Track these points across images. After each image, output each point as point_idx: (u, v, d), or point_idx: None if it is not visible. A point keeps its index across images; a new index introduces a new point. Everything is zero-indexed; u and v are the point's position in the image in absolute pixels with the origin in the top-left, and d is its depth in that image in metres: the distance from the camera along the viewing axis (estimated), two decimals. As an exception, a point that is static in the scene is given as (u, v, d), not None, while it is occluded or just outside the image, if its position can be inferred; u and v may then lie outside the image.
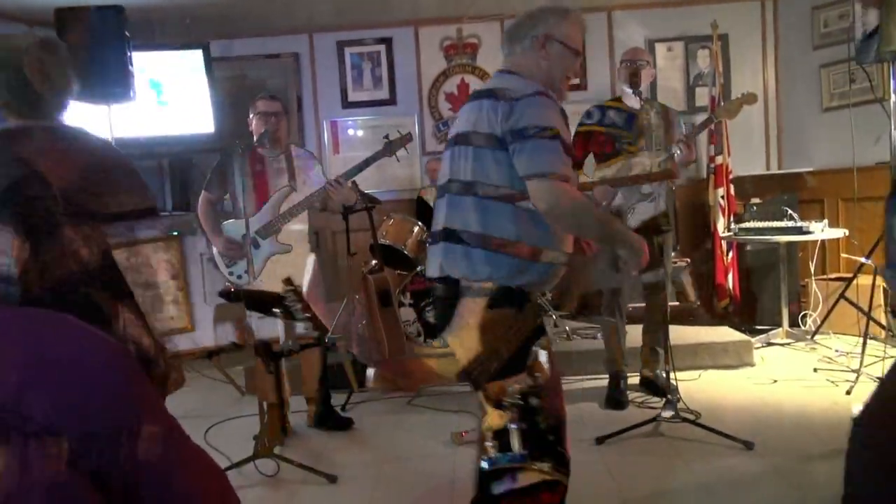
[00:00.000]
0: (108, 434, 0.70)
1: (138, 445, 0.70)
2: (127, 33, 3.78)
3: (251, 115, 3.49)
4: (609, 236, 1.82)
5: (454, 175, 1.86)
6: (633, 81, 3.46)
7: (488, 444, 1.42)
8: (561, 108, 1.87)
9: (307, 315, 2.67)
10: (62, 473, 0.67)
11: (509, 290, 1.69)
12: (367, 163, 3.43)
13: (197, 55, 4.97)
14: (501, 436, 1.40)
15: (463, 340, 1.63)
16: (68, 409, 0.69)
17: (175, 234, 5.16)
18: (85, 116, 4.38)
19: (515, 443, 1.40)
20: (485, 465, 1.44)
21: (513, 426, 1.41)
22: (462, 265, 1.74)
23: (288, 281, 2.70)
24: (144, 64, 4.80)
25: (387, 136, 3.51)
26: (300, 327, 3.27)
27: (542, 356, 1.49)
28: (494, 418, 1.49)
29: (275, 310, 2.72)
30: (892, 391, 1.49)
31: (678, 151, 3.39)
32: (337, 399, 3.75)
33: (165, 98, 4.95)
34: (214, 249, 3.53)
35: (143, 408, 0.73)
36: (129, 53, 3.77)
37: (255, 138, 3.43)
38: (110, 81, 3.72)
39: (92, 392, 0.70)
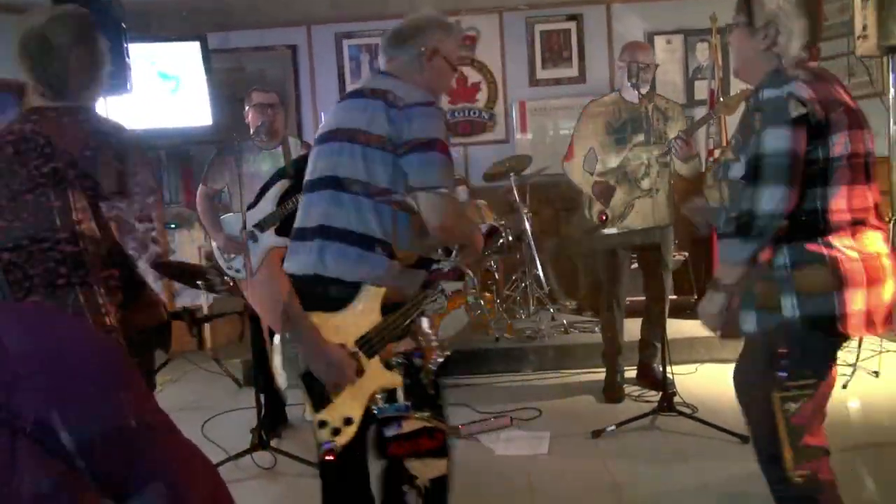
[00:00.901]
0: (99, 429, 0.70)
1: (129, 441, 0.70)
2: (124, 25, 3.76)
3: (247, 108, 3.48)
4: (473, 240, 1.91)
5: (332, 171, 1.84)
6: (632, 76, 3.44)
7: (378, 396, 1.67)
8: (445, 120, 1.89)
9: (224, 288, 2.91)
10: (53, 469, 0.67)
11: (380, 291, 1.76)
12: None
13: (194, 47, 4.94)
14: (390, 390, 1.66)
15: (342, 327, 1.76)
16: (59, 405, 0.68)
17: (173, 226, 5.16)
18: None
19: (400, 395, 1.64)
20: (376, 412, 1.67)
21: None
22: (339, 263, 1.76)
23: (209, 256, 2.96)
24: (154, 56, 4.80)
25: None
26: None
27: (425, 322, 1.70)
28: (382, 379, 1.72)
29: (197, 282, 2.89)
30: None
31: (676, 148, 3.37)
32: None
33: (175, 89, 4.95)
34: (214, 243, 3.52)
35: (134, 403, 0.73)
36: (125, 45, 3.75)
37: (251, 130, 3.42)
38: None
39: (83, 387, 0.70)
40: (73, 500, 0.66)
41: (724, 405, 3.44)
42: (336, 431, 1.66)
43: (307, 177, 1.93)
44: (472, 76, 5.77)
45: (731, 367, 4.37)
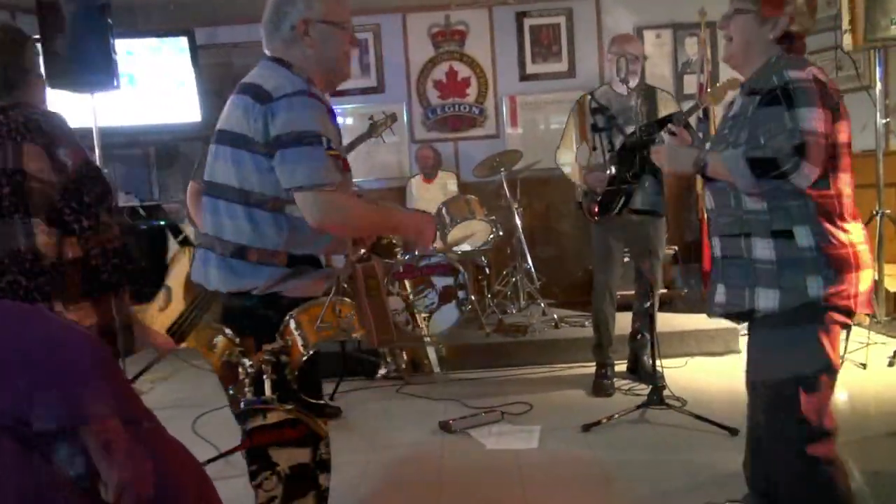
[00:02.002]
0: (80, 426, 0.69)
1: (111, 438, 0.70)
2: (110, 20, 3.73)
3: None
4: (390, 227, 1.90)
5: (212, 177, 1.81)
6: (621, 69, 3.44)
7: (246, 389, 1.77)
8: (327, 107, 1.73)
9: None
10: (31, 466, 0.66)
11: (274, 297, 1.77)
12: (352, 145, 3.42)
13: (182, 42, 4.91)
14: (257, 384, 1.75)
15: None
16: (38, 401, 0.68)
17: (162, 223, 5.13)
18: (68, 105, 4.33)
19: (267, 389, 1.75)
20: (242, 405, 1.79)
21: (265, 377, 1.75)
22: (220, 275, 1.78)
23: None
24: (140, 51, 4.75)
25: (371, 118, 3.52)
26: None
27: (292, 324, 1.78)
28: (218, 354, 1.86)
29: None
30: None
31: (665, 139, 3.37)
32: (325, 387, 3.75)
33: (141, 84, 4.89)
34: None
35: (115, 399, 0.72)
36: (112, 41, 3.72)
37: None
38: (93, 69, 3.67)
39: (63, 384, 0.69)
40: (55, 499, 0.66)
41: (714, 398, 3.47)
42: None
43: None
44: (462, 71, 5.77)
45: (719, 359, 4.39)
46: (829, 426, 1.80)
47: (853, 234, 1.78)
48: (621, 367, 3.87)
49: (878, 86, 4.22)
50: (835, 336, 1.79)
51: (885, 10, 3.78)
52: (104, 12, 3.69)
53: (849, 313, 1.78)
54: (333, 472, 2.90)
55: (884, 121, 4.29)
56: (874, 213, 4.16)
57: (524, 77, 5.75)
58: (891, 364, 3.70)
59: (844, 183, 1.79)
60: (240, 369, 1.77)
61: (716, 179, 1.87)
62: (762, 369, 1.89)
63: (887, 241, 4.28)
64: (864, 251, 1.79)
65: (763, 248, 1.80)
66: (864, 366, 3.71)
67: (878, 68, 4.22)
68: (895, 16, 3.76)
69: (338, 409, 3.62)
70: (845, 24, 3.95)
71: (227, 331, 1.81)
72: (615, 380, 3.74)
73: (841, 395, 3.47)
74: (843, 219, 1.78)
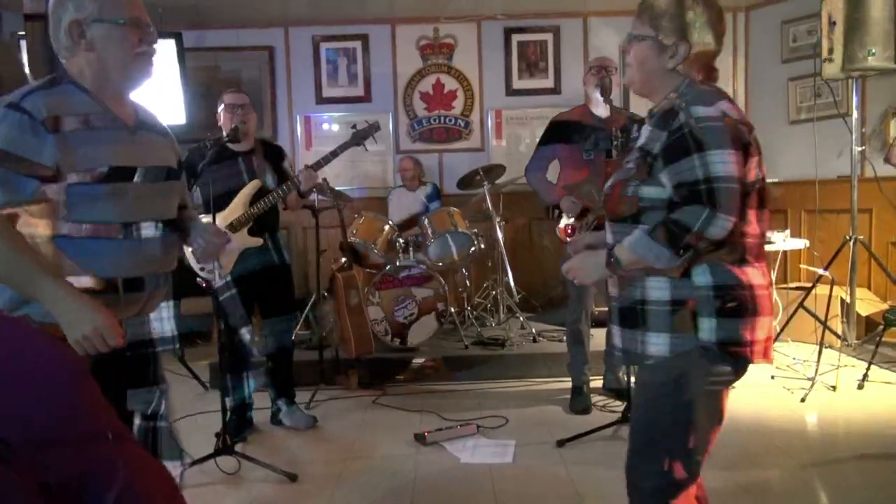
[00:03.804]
0: (53, 439, 0.70)
1: (84, 451, 0.70)
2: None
3: (219, 110, 3.47)
4: (22, 284, 1.43)
5: None
6: (605, 90, 3.49)
7: None
8: (26, 116, 1.54)
9: None
10: (5, 479, 0.66)
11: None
12: (334, 153, 3.43)
13: (169, 44, 4.89)
14: None
15: None
16: (12, 414, 0.68)
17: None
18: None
19: None
20: None
21: None
22: None
23: None
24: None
25: (354, 126, 3.54)
26: None
27: None
28: None
29: None
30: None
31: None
32: (302, 396, 3.74)
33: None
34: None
35: (89, 413, 0.73)
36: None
37: (223, 132, 3.40)
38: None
39: (36, 397, 0.70)
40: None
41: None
42: None
43: None
44: (449, 83, 5.81)
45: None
46: (691, 480, 1.71)
47: (753, 276, 1.59)
48: (597, 383, 3.89)
49: (855, 114, 4.32)
50: (724, 383, 1.64)
51: (863, 41, 3.89)
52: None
53: (744, 362, 1.61)
54: (305, 482, 2.90)
55: (859, 148, 4.38)
56: (847, 238, 4.24)
57: (510, 92, 5.80)
58: (860, 387, 3.77)
59: (751, 221, 1.60)
60: None
61: (619, 220, 1.67)
62: (643, 418, 1.77)
63: (859, 265, 4.37)
64: (764, 297, 1.61)
65: (656, 288, 1.61)
66: (834, 388, 3.77)
67: (854, 97, 4.32)
68: (872, 47, 3.86)
69: (314, 418, 3.61)
70: (825, 54, 4.04)
71: None
72: (591, 396, 3.76)
73: (811, 417, 3.52)
74: (746, 260, 1.59)
